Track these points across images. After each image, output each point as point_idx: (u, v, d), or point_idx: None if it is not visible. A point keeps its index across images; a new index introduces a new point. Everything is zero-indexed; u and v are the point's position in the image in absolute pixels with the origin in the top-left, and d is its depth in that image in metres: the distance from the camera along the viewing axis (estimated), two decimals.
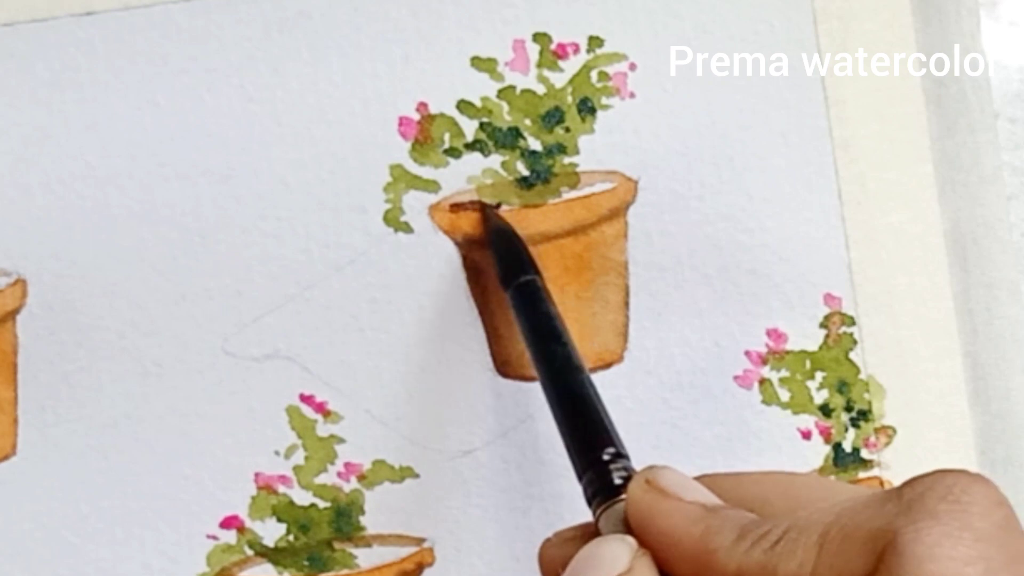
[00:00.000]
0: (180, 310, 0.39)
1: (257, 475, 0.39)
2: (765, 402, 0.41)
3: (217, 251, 0.39)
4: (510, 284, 0.38)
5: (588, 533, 0.28)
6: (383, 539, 0.40)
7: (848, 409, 0.41)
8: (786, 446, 0.41)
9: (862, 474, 0.41)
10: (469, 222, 0.40)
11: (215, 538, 0.39)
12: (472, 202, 0.40)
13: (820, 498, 0.27)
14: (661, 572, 0.26)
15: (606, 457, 0.30)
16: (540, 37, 0.40)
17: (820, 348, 0.41)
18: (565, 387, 0.33)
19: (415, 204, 0.40)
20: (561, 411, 0.32)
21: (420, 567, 0.40)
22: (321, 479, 0.39)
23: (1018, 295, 0.42)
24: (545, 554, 0.30)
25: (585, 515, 0.29)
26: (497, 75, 0.40)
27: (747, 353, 0.41)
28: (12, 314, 0.38)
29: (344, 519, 0.39)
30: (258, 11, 0.39)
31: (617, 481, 0.29)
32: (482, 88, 0.40)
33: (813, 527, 0.24)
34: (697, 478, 0.28)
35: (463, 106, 0.40)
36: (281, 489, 0.39)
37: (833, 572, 0.23)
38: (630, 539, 0.27)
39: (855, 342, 0.41)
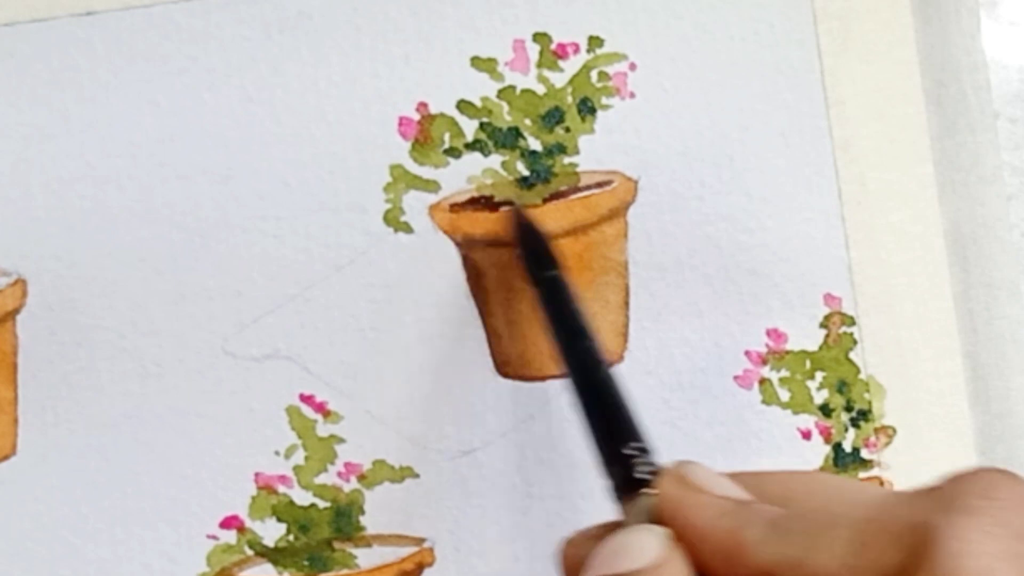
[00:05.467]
0: (180, 310, 0.39)
1: (257, 475, 0.39)
2: (765, 402, 0.41)
3: (217, 251, 0.39)
4: (536, 279, 0.38)
5: (611, 532, 0.28)
6: (383, 539, 0.40)
7: (848, 409, 0.41)
8: (786, 446, 0.41)
9: (862, 474, 0.41)
10: (469, 222, 0.40)
11: (215, 538, 0.39)
12: (503, 201, 0.40)
13: (843, 496, 0.26)
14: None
15: (631, 452, 0.30)
16: (540, 37, 0.40)
17: (820, 348, 0.41)
18: (590, 382, 0.33)
19: (415, 204, 0.40)
20: (586, 406, 0.32)
21: (420, 567, 0.40)
22: (321, 479, 0.39)
23: (1018, 295, 0.42)
24: (566, 553, 0.30)
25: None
26: (497, 75, 0.40)
27: (747, 353, 0.41)
28: (12, 314, 0.38)
29: (344, 519, 0.39)
30: (258, 11, 0.39)
31: (643, 476, 0.29)
32: (482, 88, 0.40)
33: (846, 521, 0.24)
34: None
35: (463, 106, 0.40)
36: (281, 489, 0.39)
37: (867, 565, 0.23)
38: (661, 529, 0.27)
39: (855, 342, 0.41)
